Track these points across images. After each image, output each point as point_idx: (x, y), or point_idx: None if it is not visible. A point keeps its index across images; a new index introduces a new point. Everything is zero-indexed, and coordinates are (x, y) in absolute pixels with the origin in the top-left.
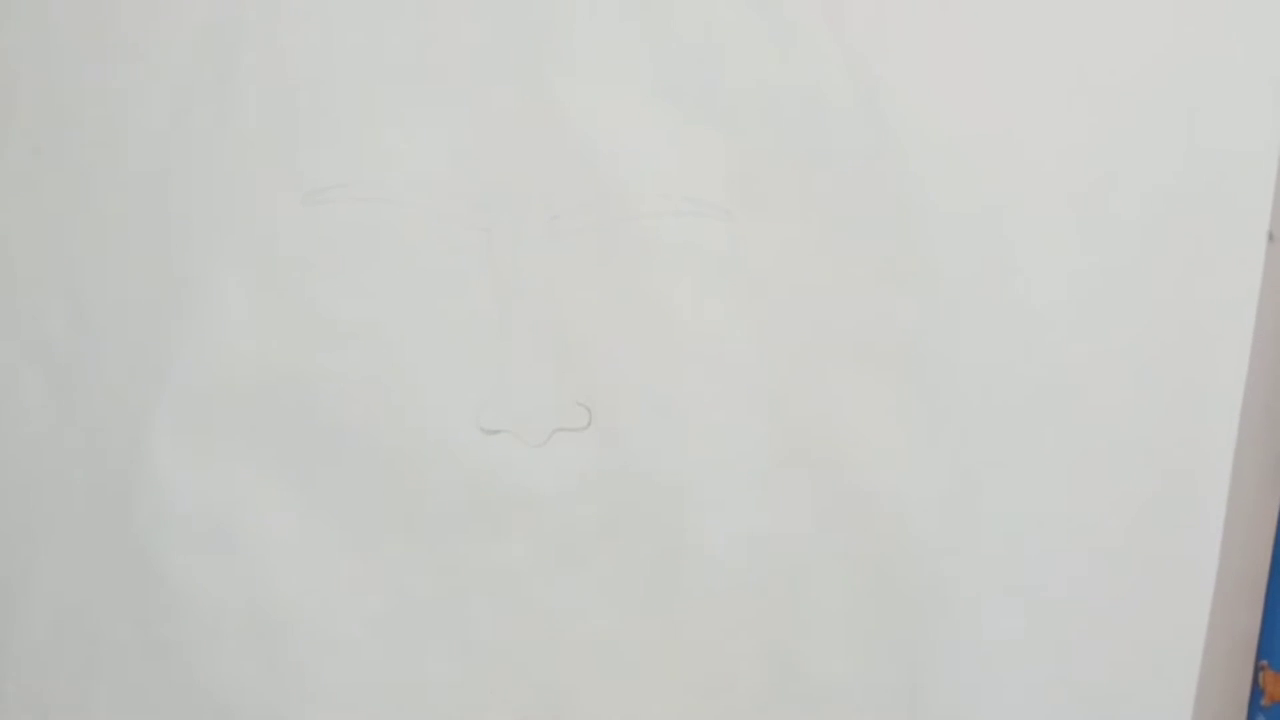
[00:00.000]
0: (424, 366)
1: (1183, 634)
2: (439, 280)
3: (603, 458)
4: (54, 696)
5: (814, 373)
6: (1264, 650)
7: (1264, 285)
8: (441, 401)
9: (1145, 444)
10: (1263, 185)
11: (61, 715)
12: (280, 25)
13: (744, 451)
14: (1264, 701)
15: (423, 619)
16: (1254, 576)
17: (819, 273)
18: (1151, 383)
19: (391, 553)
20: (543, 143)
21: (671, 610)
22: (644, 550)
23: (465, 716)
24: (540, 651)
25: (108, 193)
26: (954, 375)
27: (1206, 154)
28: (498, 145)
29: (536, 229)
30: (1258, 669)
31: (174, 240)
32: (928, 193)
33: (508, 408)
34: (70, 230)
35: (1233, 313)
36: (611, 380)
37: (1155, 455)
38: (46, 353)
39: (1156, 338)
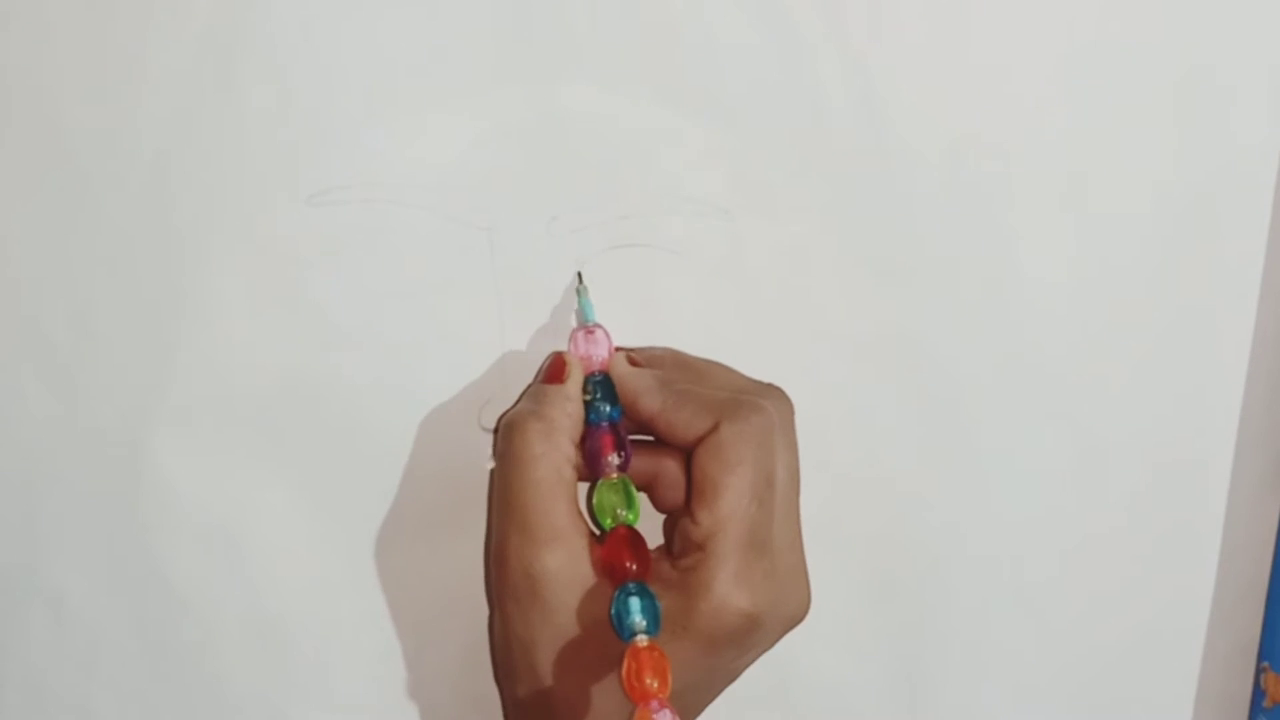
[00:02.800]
0: (425, 366)
1: (1183, 635)
2: (440, 280)
3: None
4: (55, 697)
5: (814, 372)
6: (1265, 652)
7: (1264, 285)
8: (443, 401)
9: (1145, 444)
10: (1263, 185)
11: (63, 716)
12: (282, 26)
13: None
14: (1265, 703)
15: (423, 618)
16: (1255, 578)
17: (819, 273)
18: (1151, 382)
19: (393, 552)
20: (543, 143)
21: None
22: None
23: (466, 716)
24: None
25: (108, 193)
26: (954, 375)
27: (1206, 153)
28: (498, 146)
29: (537, 229)
30: (1259, 671)
31: (175, 241)
32: (927, 192)
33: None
34: (71, 231)
35: (1233, 312)
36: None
37: (1155, 455)
38: (46, 353)
39: (1156, 337)
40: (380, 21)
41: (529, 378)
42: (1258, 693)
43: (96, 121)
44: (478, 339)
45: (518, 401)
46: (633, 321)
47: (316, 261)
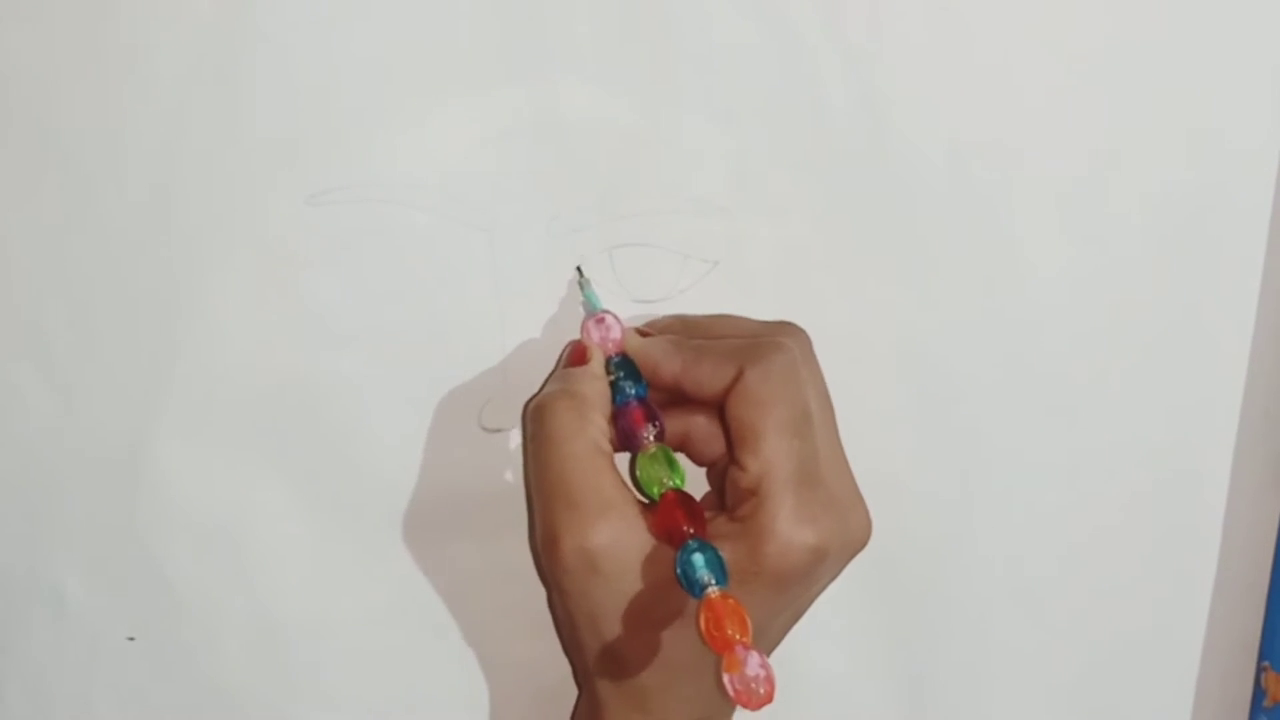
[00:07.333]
0: (426, 366)
1: (1183, 635)
2: (441, 280)
3: None
4: (55, 697)
5: None
6: (1265, 652)
7: (1263, 286)
8: (443, 401)
9: (1145, 444)
10: (1263, 185)
11: (63, 716)
12: (283, 26)
13: None
14: (1265, 703)
15: (423, 619)
16: (1255, 578)
17: (819, 273)
18: (1151, 383)
19: (392, 552)
20: (543, 143)
21: None
22: None
23: (466, 716)
24: (541, 650)
25: (108, 193)
26: (953, 375)
27: (1206, 153)
28: (498, 146)
29: (537, 229)
30: (1259, 671)
31: (175, 241)
32: (927, 192)
33: (509, 407)
34: (71, 230)
35: (1233, 313)
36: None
37: (1155, 455)
38: (46, 353)
39: (1156, 338)
40: (381, 21)
41: (529, 378)
42: (1258, 693)
43: (96, 121)
44: (478, 339)
45: (540, 389)
46: (633, 321)
47: (316, 261)
